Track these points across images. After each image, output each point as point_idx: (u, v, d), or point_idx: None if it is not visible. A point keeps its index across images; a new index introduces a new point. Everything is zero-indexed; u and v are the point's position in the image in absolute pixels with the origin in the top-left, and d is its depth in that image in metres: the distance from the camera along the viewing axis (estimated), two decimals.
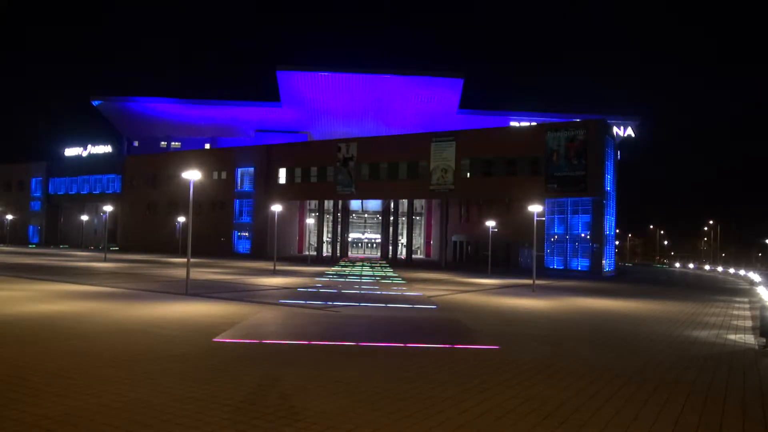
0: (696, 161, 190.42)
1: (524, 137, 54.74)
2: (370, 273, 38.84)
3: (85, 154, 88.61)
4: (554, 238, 52.05)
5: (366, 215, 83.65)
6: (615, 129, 69.05)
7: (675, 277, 54.43)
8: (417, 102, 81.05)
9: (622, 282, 41.66)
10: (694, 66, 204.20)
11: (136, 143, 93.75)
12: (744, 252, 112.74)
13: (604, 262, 50.11)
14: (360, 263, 54.75)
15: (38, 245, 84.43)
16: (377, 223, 79.44)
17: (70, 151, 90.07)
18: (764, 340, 13.55)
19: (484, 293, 25.97)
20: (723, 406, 8.10)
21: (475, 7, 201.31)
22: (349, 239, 75.59)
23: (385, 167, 60.30)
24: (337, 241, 68.55)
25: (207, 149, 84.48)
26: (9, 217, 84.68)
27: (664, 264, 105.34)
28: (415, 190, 59.27)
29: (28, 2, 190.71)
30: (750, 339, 14.73)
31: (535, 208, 29.72)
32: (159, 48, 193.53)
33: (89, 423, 6.37)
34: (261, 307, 17.58)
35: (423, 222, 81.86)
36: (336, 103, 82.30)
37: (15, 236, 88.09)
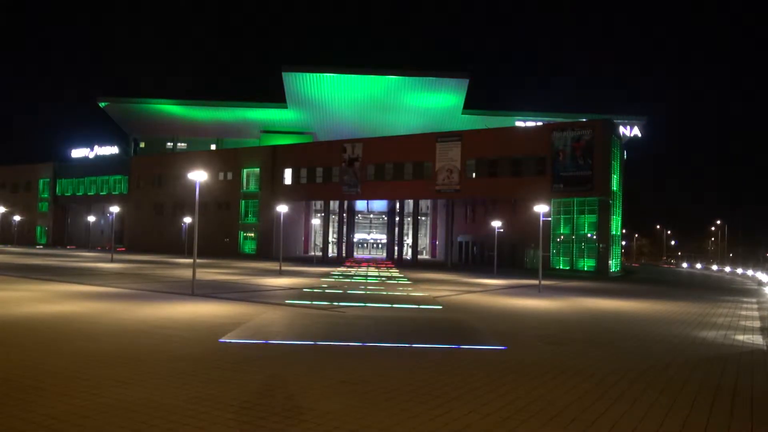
0: (703, 161, 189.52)
1: (530, 137, 54.57)
2: (376, 273, 38.82)
3: (91, 155, 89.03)
4: (560, 238, 51.87)
5: (371, 216, 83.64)
6: (621, 129, 68.68)
7: (682, 278, 54.13)
8: (422, 102, 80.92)
9: (629, 282, 41.47)
10: (702, 64, 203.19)
11: (142, 144, 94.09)
12: (752, 252, 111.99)
13: (610, 262, 49.91)
14: (366, 266, 54.61)
15: (45, 246, 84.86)
16: (383, 223, 79.39)
17: (77, 153, 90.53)
18: None
19: (490, 294, 25.90)
20: (731, 406, 8.02)
21: (481, 7, 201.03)
22: (355, 240, 75.56)
23: (391, 167, 60.25)
24: (342, 242, 68.56)
25: (213, 150, 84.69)
26: (17, 218, 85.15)
27: (671, 264, 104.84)
28: (421, 190, 59.20)
29: (35, 3, 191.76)
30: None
31: (541, 208, 29.58)
32: (165, 49, 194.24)
33: (95, 423, 6.37)
34: (267, 307, 17.58)
35: (428, 222, 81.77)
36: (341, 103, 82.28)
37: (22, 237, 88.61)
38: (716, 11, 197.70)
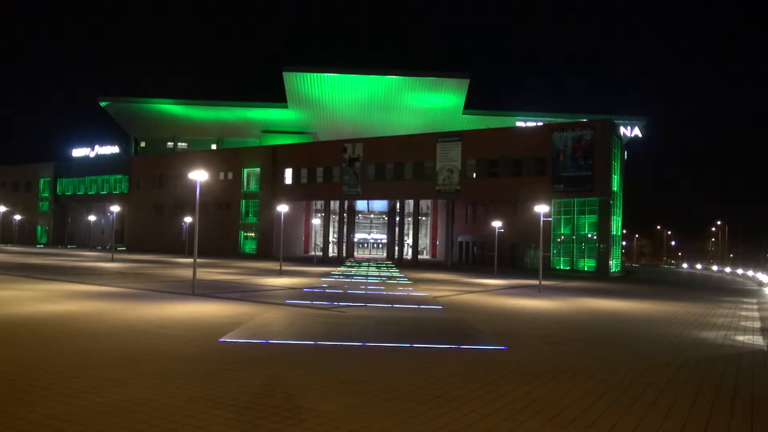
0: (703, 161, 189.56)
1: (531, 137, 54.57)
2: (376, 273, 38.83)
3: (92, 154, 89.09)
4: (561, 238, 51.87)
5: (372, 216, 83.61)
6: (622, 129, 68.63)
7: (682, 278, 54.13)
8: (423, 102, 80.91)
9: (629, 283, 41.48)
10: (702, 64, 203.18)
11: (143, 144, 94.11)
12: (752, 252, 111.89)
13: (610, 262, 49.89)
14: (366, 264, 54.72)
15: (46, 245, 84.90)
16: (383, 223, 79.40)
17: (78, 152, 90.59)
18: None
19: (490, 294, 25.90)
20: (731, 407, 8.03)
21: (482, 7, 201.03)
22: (355, 240, 75.57)
23: (391, 168, 60.25)
24: (342, 242, 68.60)
25: (213, 150, 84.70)
26: (17, 217, 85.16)
27: (672, 264, 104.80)
28: (421, 190, 59.19)
29: (36, 2, 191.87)
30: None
31: (542, 209, 29.59)
32: (166, 49, 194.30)
33: (96, 423, 6.38)
34: (267, 307, 17.59)
35: (429, 222, 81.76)
36: (342, 103, 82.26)
37: (23, 236, 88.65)
38: (716, 11, 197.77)
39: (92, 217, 78.73)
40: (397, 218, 68.21)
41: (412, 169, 59.05)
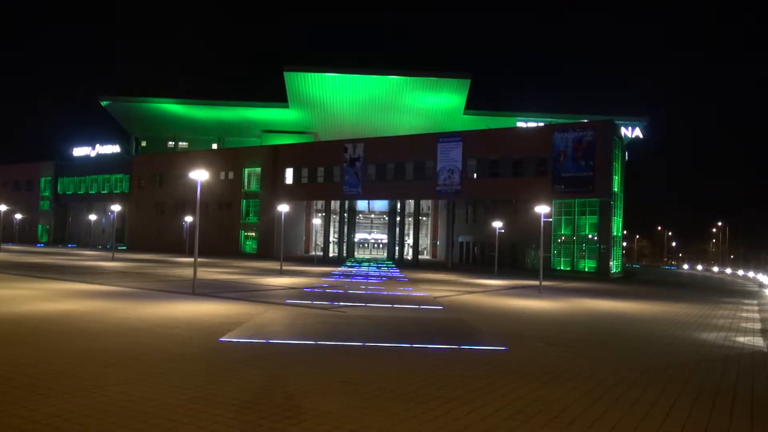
0: (704, 162, 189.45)
1: (531, 138, 54.60)
2: (377, 273, 38.84)
3: (93, 153, 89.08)
4: (561, 239, 51.86)
5: (372, 216, 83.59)
6: (623, 130, 68.62)
7: (683, 279, 54.13)
8: (424, 102, 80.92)
9: (630, 283, 41.47)
10: (702, 65, 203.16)
11: (143, 143, 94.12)
12: (753, 254, 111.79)
13: (611, 263, 49.89)
14: (367, 264, 54.75)
15: (46, 244, 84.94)
16: (384, 223, 79.38)
17: (79, 151, 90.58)
18: None
19: (490, 294, 25.91)
20: (731, 408, 8.03)
21: (483, 7, 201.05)
22: (356, 240, 75.57)
23: (392, 168, 60.28)
24: (343, 242, 68.61)
25: (214, 149, 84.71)
26: (18, 216, 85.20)
27: (672, 265, 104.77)
28: (422, 190, 59.22)
29: (36, 2, 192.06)
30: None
31: (542, 209, 29.60)
32: (166, 49, 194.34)
33: (96, 422, 6.39)
34: (267, 307, 17.60)
35: (429, 223, 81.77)
36: (343, 103, 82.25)
37: (23, 235, 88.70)
38: (717, 11, 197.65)
39: (93, 217, 78.80)
40: (398, 218, 68.22)
41: (412, 169, 59.08)
